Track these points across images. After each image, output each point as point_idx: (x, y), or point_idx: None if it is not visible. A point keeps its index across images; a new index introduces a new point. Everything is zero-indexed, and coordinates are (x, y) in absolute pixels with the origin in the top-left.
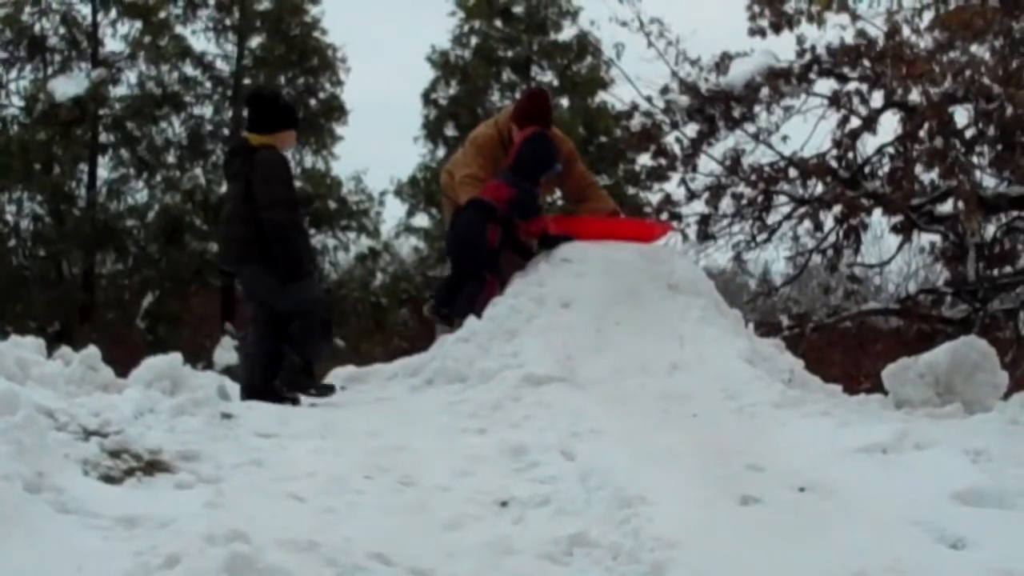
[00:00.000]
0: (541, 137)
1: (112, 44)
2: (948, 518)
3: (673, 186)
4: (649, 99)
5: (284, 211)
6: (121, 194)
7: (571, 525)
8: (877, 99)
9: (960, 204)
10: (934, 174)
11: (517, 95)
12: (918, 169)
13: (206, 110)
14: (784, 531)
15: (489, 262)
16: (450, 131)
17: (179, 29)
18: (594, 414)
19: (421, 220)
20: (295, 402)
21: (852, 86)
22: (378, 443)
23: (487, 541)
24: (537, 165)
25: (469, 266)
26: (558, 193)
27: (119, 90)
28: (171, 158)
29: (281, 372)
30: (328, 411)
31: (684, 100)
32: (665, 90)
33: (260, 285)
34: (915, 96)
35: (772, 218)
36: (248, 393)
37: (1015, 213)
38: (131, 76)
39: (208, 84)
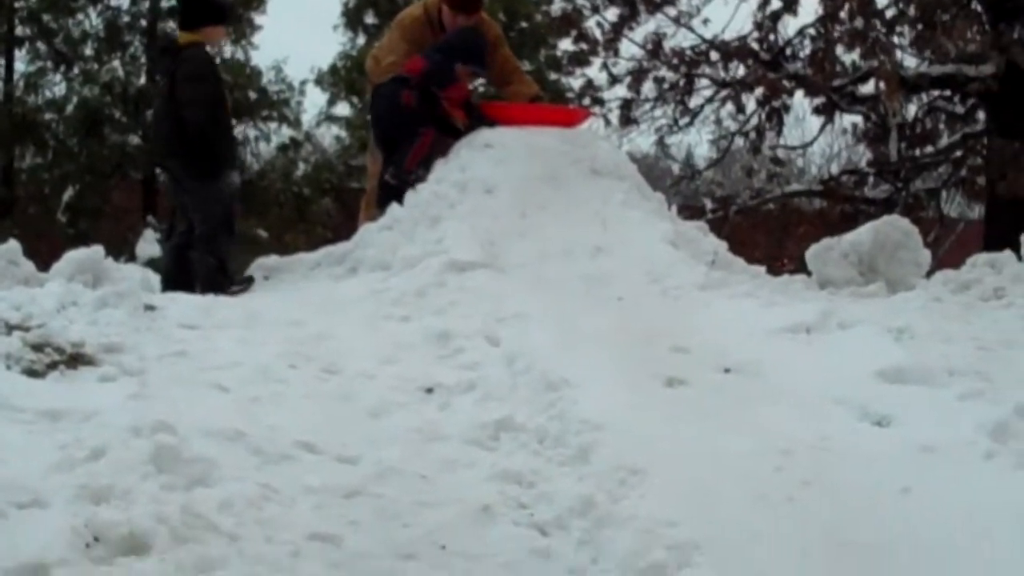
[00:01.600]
0: (473, 31)
1: None
2: (872, 396)
3: (595, 71)
4: None
5: (203, 109)
6: (39, 87)
7: (497, 410)
8: None
9: (881, 85)
10: (855, 55)
11: None
12: (839, 50)
13: (123, 1)
14: (710, 412)
15: (412, 121)
16: (370, 19)
17: None
18: (518, 299)
19: (342, 109)
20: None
21: None
22: (302, 332)
23: (413, 427)
24: (459, 50)
25: (394, 133)
26: (480, 80)
27: None
28: (88, 51)
29: (197, 278)
30: (252, 301)
31: None
32: None
33: (182, 180)
34: None
35: (694, 102)
36: (167, 285)
37: (936, 93)
38: None
39: None
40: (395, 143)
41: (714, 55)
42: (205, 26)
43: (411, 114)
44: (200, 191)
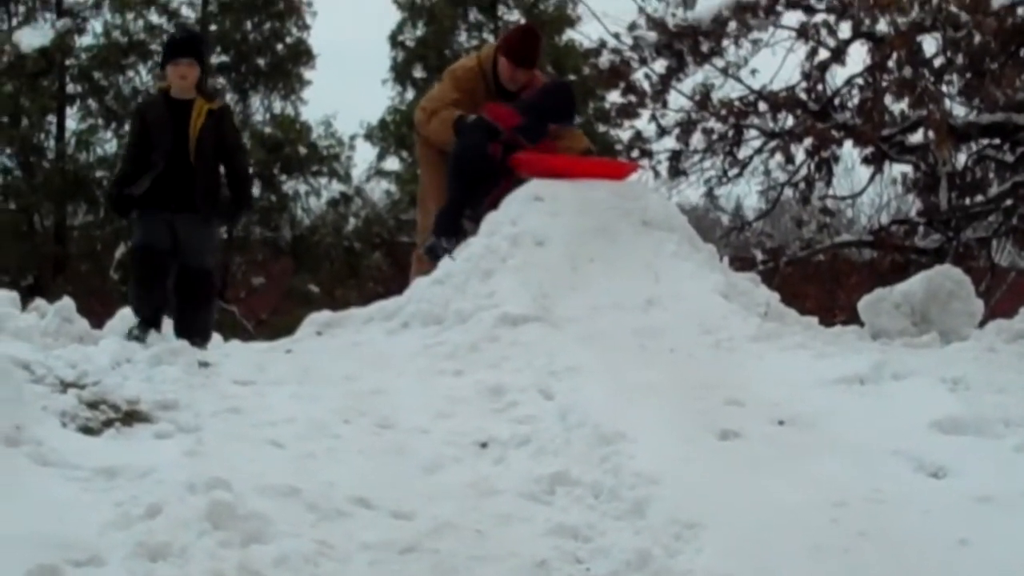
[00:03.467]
0: (564, 87)
1: None
2: (928, 447)
3: (643, 123)
4: (617, 36)
5: (121, 163)
6: (90, 145)
7: (552, 464)
8: (845, 30)
9: (931, 134)
10: (904, 104)
11: (485, 36)
12: (888, 99)
13: None
14: (764, 464)
15: (495, 171)
16: (418, 73)
17: None
18: (571, 352)
19: (392, 163)
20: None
21: (820, 18)
22: (356, 387)
23: (468, 482)
24: (551, 110)
25: (475, 178)
26: None
27: (85, 40)
28: None
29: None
30: (305, 357)
31: (652, 36)
32: (633, 26)
33: None
34: (883, 26)
35: (743, 152)
36: None
37: (986, 141)
38: (96, 25)
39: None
40: (473, 185)
41: (762, 106)
42: (164, 68)
43: (495, 165)
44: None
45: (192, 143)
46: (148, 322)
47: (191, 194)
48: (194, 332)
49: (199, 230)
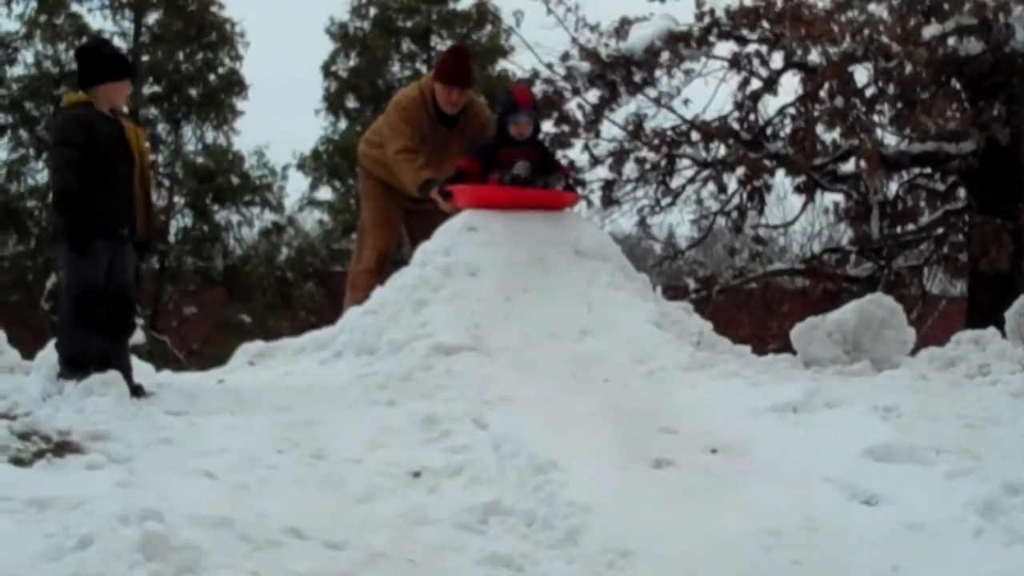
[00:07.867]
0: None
1: (7, 24)
2: (860, 475)
3: (576, 152)
4: (550, 66)
5: (63, 173)
6: (21, 175)
7: (485, 493)
8: (777, 60)
9: (862, 163)
10: (836, 134)
11: (418, 66)
12: (819, 129)
13: None
14: (698, 492)
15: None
16: (351, 103)
17: (75, 7)
18: (505, 382)
19: (325, 193)
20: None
21: (752, 48)
22: (289, 418)
23: (401, 512)
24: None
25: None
26: None
27: (16, 70)
28: None
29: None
30: (238, 387)
31: (585, 66)
32: (566, 57)
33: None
34: (815, 56)
35: (676, 182)
36: None
37: (917, 170)
38: (28, 56)
39: None
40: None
41: (695, 135)
42: (98, 84)
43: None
44: (65, 268)
45: (140, 167)
46: (95, 365)
47: (134, 221)
48: (125, 363)
49: (133, 260)
